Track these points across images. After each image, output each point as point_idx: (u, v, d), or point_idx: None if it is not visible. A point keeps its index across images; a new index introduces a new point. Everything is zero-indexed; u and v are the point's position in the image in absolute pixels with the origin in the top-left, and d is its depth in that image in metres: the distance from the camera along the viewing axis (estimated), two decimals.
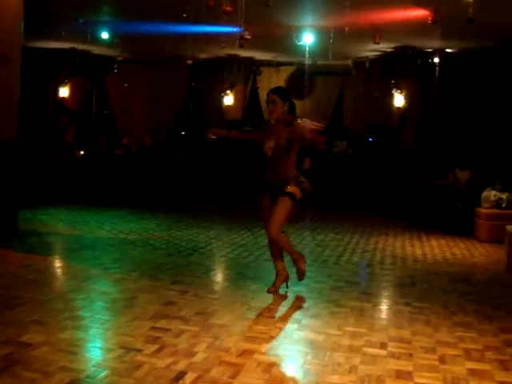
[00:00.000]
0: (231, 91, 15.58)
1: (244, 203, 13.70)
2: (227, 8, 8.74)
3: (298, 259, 5.60)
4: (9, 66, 7.72)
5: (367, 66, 14.33)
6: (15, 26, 7.85)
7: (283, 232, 5.45)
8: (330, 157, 13.87)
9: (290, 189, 5.28)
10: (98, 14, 11.50)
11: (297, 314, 4.90)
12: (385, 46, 12.87)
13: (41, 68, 15.02)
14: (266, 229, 5.41)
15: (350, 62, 14.63)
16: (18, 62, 7.96)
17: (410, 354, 4.04)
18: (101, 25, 12.27)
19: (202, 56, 15.04)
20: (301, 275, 5.66)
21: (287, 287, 5.59)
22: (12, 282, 5.57)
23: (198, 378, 3.45)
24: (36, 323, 4.35)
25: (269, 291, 5.47)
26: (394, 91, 14.03)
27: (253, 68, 15.78)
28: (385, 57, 13.88)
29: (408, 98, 13.92)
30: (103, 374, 3.48)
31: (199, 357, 3.80)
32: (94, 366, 3.62)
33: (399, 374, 3.67)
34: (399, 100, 13.94)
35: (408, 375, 3.66)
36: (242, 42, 10.26)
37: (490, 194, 9.54)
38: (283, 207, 5.28)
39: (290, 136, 5.25)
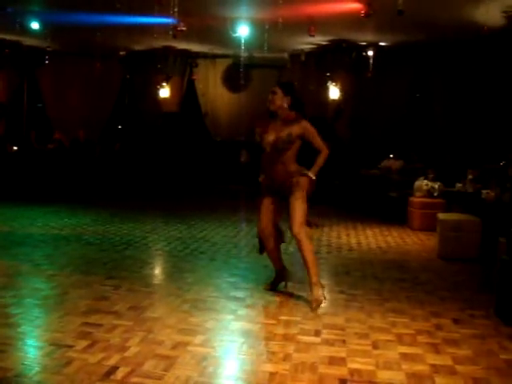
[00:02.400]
0: (167, 83, 15.38)
1: (180, 196, 13.63)
2: None
3: (315, 283, 5.03)
4: None
5: (303, 58, 14.40)
6: None
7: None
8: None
9: (299, 183, 5.10)
10: (28, 3, 11.12)
11: (233, 305, 4.89)
12: (320, 39, 12.96)
13: None
14: (266, 234, 5.28)
15: (286, 54, 14.67)
16: None
17: (344, 341, 4.10)
18: (31, 15, 11.86)
19: (137, 47, 14.77)
20: (316, 301, 4.97)
21: (286, 286, 5.47)
22: None
23: (130, 373, 3.40)
24: None
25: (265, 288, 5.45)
26: (329, 84, 14.16)
27: (189, 60, 15.62)
28: (320, 50, 13.97)
29: (343, 91, 14.08)
30: (33, 371, 3.41)
31: (132, 351, 3.75)
32: (23, 363, 3.54)
33: (332, 361, 3.72)
34: (334, 92, 14.08)
35: (341, 361, 3.72)
36: (176, 33, 10.13)
37: (423, 184, 9.78)
38: (299, 203, 5.09)
39: (291, 133, 5.07)
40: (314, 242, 8.18)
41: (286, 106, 5.15)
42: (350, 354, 3.84)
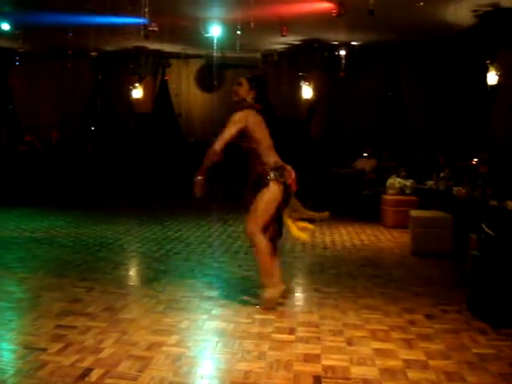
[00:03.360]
0: (140, 84, 15.29)
1: (154, 197, 13.56)
2: None
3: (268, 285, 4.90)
4: None
5: (275, 58, 14.47)
6: None
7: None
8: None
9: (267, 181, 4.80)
10: None
11: (207, 305, 4.89)
12: (292, 39, 13.02)
13: None
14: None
15: (258, 54, 14.69)
16: None
17: (318, 338, 4.13)
18: (1, 16, 11.71)
19: (108, 48, 14.65)
20: (262, 303, 4.89)
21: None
22: None
23: (105, 374, 3.39)
24: None
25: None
26: (302, 83, 14.23)
27: (162, 60, 15.55)
28: (293, 49, 14.05)
29: (316, 90, 14.15)
30: (7, 375, 3.39)
31: (106, 352, 3.73)
32: None
33: (307, 358, 3.74)
34: (307, 92, 14.15)
35: (316, 358, 3.74)
36: (148, 33, 10.09)
37: (395, 181, 9.88)
38: (261, 199, 4.79)
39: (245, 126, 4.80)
40: (289, 241, 8.22)
41: (249, 99, 4.94)
42: (324, 351, 3.87)
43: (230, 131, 4.75)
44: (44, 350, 3.75)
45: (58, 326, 4.22)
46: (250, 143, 4.86)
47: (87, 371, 3.42)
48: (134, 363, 3.55)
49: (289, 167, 4.95)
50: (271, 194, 4.81)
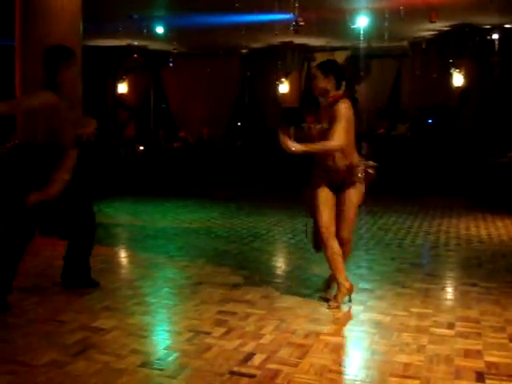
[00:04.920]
0: (286, 79, 15.54)
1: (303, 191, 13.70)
2: None
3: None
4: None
5: (424, 46, 14.05)
6: (75, 28, 8.08)
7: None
8: (390, 140, 13.67)
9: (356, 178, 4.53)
10: (152, 8, 11.68)
11: (362, 296, 4.89)
12: (441, 25, 12.57)
13: (99, 66, 15.38)
14: (326, 231, 4.53)
15: (405, 43, 14.36)
16: (78, 61, 8.18)
17: (479, 334, 3.99)
18: (155, 19, 12.45)
19: (256, 45, 15.07)
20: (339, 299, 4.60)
21: (350, 300, 4.68)
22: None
23: (266, 359, 3.51)
24: (106, 309, 4.51)
25: (329, 307, 4.53)
26: (452, 71, 13.70)
27: (307, 55, 15.69)
28: (442, 36, 13.56)
29: (467, 77, 13.57)
30: (174, 355, 3.59)
31: (267, 338, 3.86)
32: (164, 348, 3.73)
33: (468, 353, 3.63)
34: (458, 79, 13.61)
35: (477, 354, 3.63)
36: (297, 29, 10.21)
37: None
38: (352, 203, 4.57)
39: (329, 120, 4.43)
40: (443, 234, 7.99)
41: (329, 88, 4.48)
42: (486, 347, 3.73)
43: (343, 125, 4.33)
44: (208, 333, 3.96)
45: (220, 312, 4.44)
46: None
47: (250, 356, 3.56)
48: (293, 350, 3.65)
49: (371, 163, 4.64)
50: (360, 195, 4.58)
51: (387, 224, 8.78)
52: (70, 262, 5.07)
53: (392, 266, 6.06)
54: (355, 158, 4.57)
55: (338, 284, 4.57)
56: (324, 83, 4.49)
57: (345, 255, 4.69)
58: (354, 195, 4.55)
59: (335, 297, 4.56)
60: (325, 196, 4.55)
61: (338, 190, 4.57)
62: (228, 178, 13.90)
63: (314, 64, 15.48)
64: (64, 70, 4.69)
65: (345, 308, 4.57)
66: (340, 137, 4.30)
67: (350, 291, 4.59)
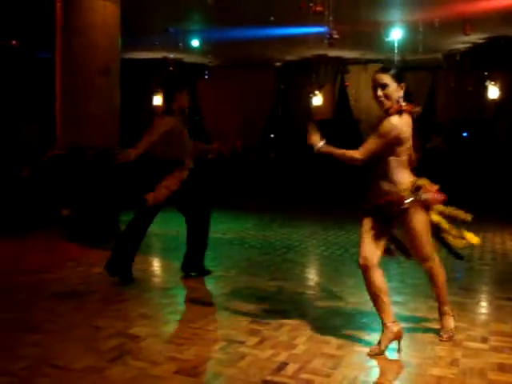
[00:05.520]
0: (320, 91, 15.60)
1: (337, 202, 13.70)
2: (317, 8, 8.77)
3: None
4: (110, 77, 8.16)
5: (458, 58, 13.97)
6: (115, 42, 8.31)
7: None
8: (424, 153, 13.57)
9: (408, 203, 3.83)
10: (188, 22, 11.88)
11: (395, 309, 4.85)
12: (476, 37, 12.52)
13: (136, 78, 15.64)
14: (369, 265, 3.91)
15: (440, 55, 14.31)
16: (117, 73, 8.41)
17: None
18: (191, 33, 12.66)
19: (289, 58, 15.19)
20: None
21: (400, 350, 3.90)
22: (116, 279, 5.84)
23: (299, 369, 3.55)
24: (142, 317, 4.60)
25: (371, 352, 3.85)
26: (487, 83, 13.59)
27: (340, 67, 15.74)
28: (476, 48, 13.48)
29: (503, 90, 13.44)
30: (208, 364, 3.66)
31: (300, 349, 3.90)
32: (198, 356, 3.80)
33: (502, 367, 3.62)
34: (493, 92, 13.49)
35: (511, 368, 3.60)
36: (331, 42, 10.27)
37: None
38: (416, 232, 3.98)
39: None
40: (478, 248, 7.91)
41: (399, 99, 3.81)
42: None
43: (374, 144, 3.81)
44: (242, 342, 4.01)
45: (253, 322, 4.49)
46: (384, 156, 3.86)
47: (283, 365, 3.61)
48: (326, 361, 3.68)
49: (424, 182, 3.95)
50: (420, 223, 3.94)
51: None
52: (189, 255, 6.05)
53: (425, 279, 5.99)
54: (402, 179, 3.87)
55: (383, 326, 3.89)
56: (397, 93, 3.81)
57: (432, 281, 4.29)
58: (415, 223, 3.92)
59: (380, 341, 3.86)
60: (368, 223, 3.97)
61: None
62: (261, 190, 13.97)
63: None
64: (179, 96, 5.73)
65: (378, 320, 4.57)
66: (365, 150, 3.83)
67: (397, 336, 3.87)
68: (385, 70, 3.87)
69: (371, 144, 3.82)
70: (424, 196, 3.87)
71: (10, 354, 3.76)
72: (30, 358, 3.66)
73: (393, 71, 3.84)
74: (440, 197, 4.02)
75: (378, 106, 3.88)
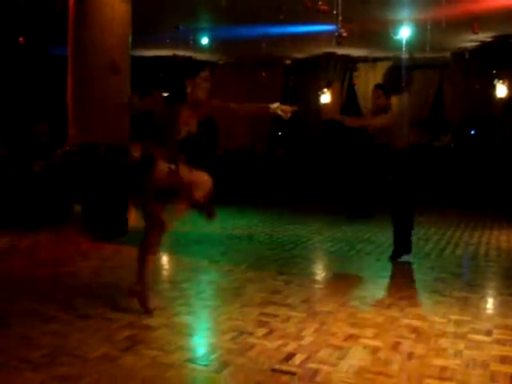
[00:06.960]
0: (328, 89, 15.64)
1: (344, 199, 13.78)
2: (322, 7, 8.82)
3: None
4: (120, 74, 8.26)
5: (466, 57, 13.99)
6: (125, 40, 8.41)
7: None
8: (432, 151, 13.64)
9: None
10: (198, 20, 11.96)
11: (400, 303, 4.99)
12: (484, 36, 12.51)
13: (144, 75, 15.72)
14: None
15: (448, 54, 14.32)
16: (127, 71, 8.52)
17: None
18: (200, 31, 12.73)
19: (298, 56, 15.22)
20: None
21: None
22: (128, 273, 5.95)
23: (307, 359, 3.66)
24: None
25: None
26: (495, 81, 13.60)
27: (349, 65, 15.77)
28: (484, 47, 13.48)
29: (510, 88, 13.45)
30: (218, 353, 3.76)
31: (307, 340, 4.01)
32: (208, 346, 3.93)
33: (504, 360, 3.71)
34: (501, 90, 13.49)
35: None
36: (340, 41, 10.31)
37: None
38: None
39: None
40: (483, 245, 7.99)
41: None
42: None
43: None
44: (251, 333, 4.13)
45: (262, 314, 4.60)
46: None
47: (291, 355, 3.71)
48: (333, 351, 3.79)
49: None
50: None
51: (427, 234, 8.82)
52: (397, 241, 6.69)
53: (431, 274, 6.13)
54: None
55: None
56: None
57: None
58: None
59: None
60: None
61: None
62: (269, 187, 14.06)
63: (355, 75, 15.70)
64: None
65: (384, 313, 4.68)
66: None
67: None
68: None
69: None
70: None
71: (30, 342, 3.90)
72: (49, 347, 3.79)
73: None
74: None
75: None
